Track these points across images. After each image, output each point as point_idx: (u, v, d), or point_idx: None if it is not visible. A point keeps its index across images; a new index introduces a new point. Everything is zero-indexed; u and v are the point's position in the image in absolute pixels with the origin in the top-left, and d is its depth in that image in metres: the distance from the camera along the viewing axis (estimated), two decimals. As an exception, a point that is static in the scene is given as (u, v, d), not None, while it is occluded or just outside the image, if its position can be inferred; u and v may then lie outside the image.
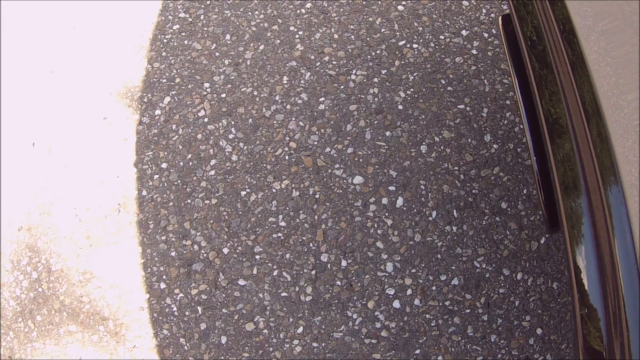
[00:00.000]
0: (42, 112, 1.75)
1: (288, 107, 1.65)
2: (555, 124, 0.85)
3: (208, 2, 1.85)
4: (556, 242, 1.45)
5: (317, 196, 1.54)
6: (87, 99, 1.75)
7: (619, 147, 0.74)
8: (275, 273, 1.48)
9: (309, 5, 1.80)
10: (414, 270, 1.45)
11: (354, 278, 1.45)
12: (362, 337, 1.41)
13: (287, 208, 1.53)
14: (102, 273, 1.53)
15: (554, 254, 1.44)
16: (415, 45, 1.71)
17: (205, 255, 1.51)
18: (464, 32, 1.71)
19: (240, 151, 1.61)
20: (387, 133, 1.59)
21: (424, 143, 1.57)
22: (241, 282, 1.48)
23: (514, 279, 1.42)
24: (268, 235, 1.51)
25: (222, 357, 1.42)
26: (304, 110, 1.64)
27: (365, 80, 1.67)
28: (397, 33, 1.73)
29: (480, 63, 1.66)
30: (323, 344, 1.41)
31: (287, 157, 1.59)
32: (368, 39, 1.73)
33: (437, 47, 1.70)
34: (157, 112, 1.70)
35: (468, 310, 1.41)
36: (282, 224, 1.52)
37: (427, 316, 1.41)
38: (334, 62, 1.70)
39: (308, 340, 1.42)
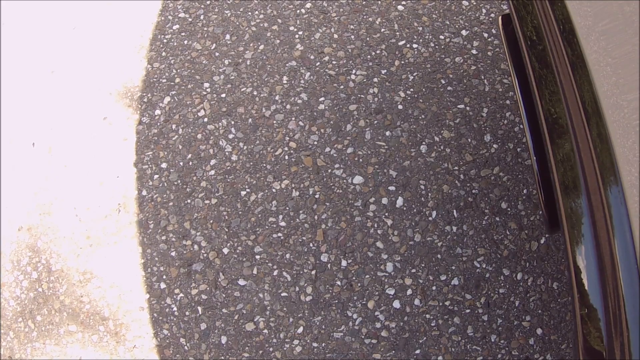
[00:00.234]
0: (42, 112, 1.75)
1: (288, 107, 1.65)
2: (555, 124, 0.85)
3: (208, 2, 1.85)
4: (556, 242, 1.45)
5: (317, 196, 1.54)
6: (87, 99, 1.75)
7: (619, 147, 0.74)
8: (275, 273, 1.48)
9: (308, 5, 1.80)
10: (414, 270, 1.45)
11: (354, 278, 1.45)
12: (362, 337, 1.41)
13: (287, 208, 1.53)
14: (102, 273, 1.53)
15: (554, 254, 1.44)
16: (415, 45, 1.71)
17: (205, 255, 1.51)
18: (463, 32, 1.71)
19: (240, 151, 1.61)
20: (387, 133, 1.59)
21: (423, 143, 1.57)
22: (241, 282, 1.48)
23: (514, 279, 1.42)
24: (268, 235, 1.51)
25: (222, 357, 1.42)
26: (303, 110, 1.64)
27: (365, 80, 1.66)
28: (397, 33, 1.73)
29: (480, 63, 1.66)
30: (323, 344, 1.41)
31: (287, 157, 1.59)
32: (368, 39, 1.73)
33: (437, 47, 1.70)
34: (157, 112, 1.70)
35: (468, 310, 1.41)
36: (282, 224, 1.52)
37: (427, 316, 1.41)
38: (334, 62, 1.70)
39: (308, 340, 1.42)
